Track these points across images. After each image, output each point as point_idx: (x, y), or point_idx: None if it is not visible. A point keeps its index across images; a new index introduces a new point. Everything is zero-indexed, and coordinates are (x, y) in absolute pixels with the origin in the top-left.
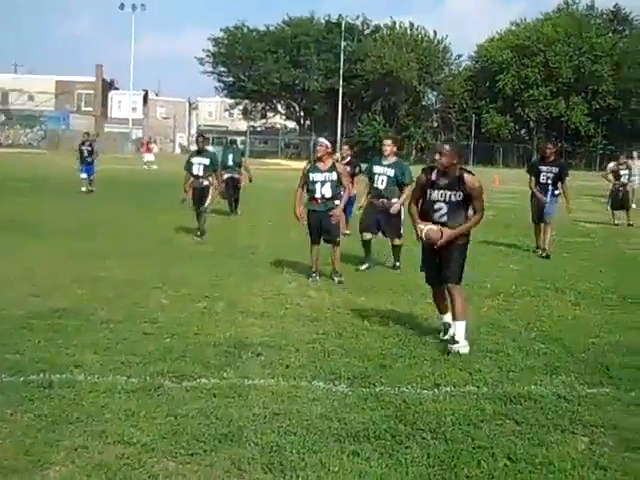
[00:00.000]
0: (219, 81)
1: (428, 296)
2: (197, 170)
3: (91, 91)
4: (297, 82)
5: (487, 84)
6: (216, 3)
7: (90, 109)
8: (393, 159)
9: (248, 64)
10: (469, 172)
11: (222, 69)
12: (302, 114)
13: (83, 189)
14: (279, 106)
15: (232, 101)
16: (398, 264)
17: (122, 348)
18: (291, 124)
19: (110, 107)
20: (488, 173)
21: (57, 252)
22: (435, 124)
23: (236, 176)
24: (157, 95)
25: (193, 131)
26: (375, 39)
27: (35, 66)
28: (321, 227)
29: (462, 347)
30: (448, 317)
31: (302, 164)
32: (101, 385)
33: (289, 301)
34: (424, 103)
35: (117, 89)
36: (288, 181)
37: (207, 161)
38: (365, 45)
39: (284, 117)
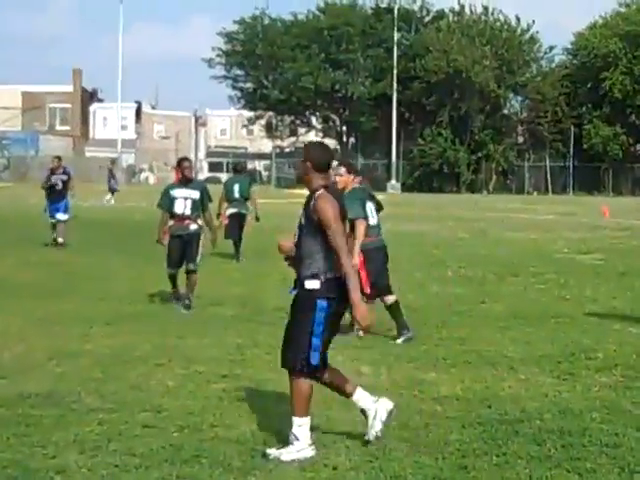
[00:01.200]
0: (234, 88)
1: (519, 370)
2: (182, 207)
3: (67, 105)
4: (337, 87)
5: (589, 85)
6: None
7: (67, 128)
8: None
9: (272, 65)
10: (329, 188)
11: (238, 72)
12: (344, 129)
13: (59, 240)
14: (314, 119)
15: (252, 114)
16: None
17: (116, 446)
18: (330, 142)
19: (93, 125)
20: (594, 203)
21: (27, 319)
22: (521, 139)
23: (243, 212)
24: (154, 108)
25: (201, 154)
26: (438, 29)
27: None
28: None
29: (288, 453)
30: (359, 398)
31: None
32: None
33: None
34: (506, 112)
35: (101, 101)
36: None
37: (197, 194)
38: (425, 37)
39: (320, 134)
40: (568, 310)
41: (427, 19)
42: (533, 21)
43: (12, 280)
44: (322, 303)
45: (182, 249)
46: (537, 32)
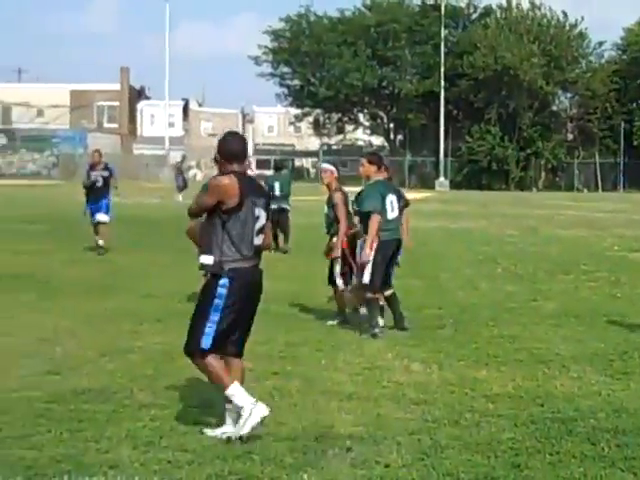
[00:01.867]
0: (281, 86)
1: (571, 368)
2: None
3: (115, 102)
4: (384, 84)
5: None
6: None
7: (114, 125)
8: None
9: (319, 62)
10: (238, 174)
11: (285, 70)
12: (392, 127)
13: (100, 242)
14: (361, 117)
15: (299, 111)
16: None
17: (168, 442)
18: (377, 140)
19: (140, 122)
20: None
21: (77, 315)
22: (570, 136)
23: (284, 206)
24: (201, 105)
25: (249, 151)
26: (486, 25)
27: (44, 72)
28: None
29: (244, 424)
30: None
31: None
32: None
33: (386, 378)
34: (555, 109)
35: (149, 99)
36: None
37: None
38: (473, 34)
39: (368, 131)
40: (620, 308)
41: (474, 16)
42: (582, 17)
43: (61, 277)
44: (223, 284)
45: None
46: (586, 28)
